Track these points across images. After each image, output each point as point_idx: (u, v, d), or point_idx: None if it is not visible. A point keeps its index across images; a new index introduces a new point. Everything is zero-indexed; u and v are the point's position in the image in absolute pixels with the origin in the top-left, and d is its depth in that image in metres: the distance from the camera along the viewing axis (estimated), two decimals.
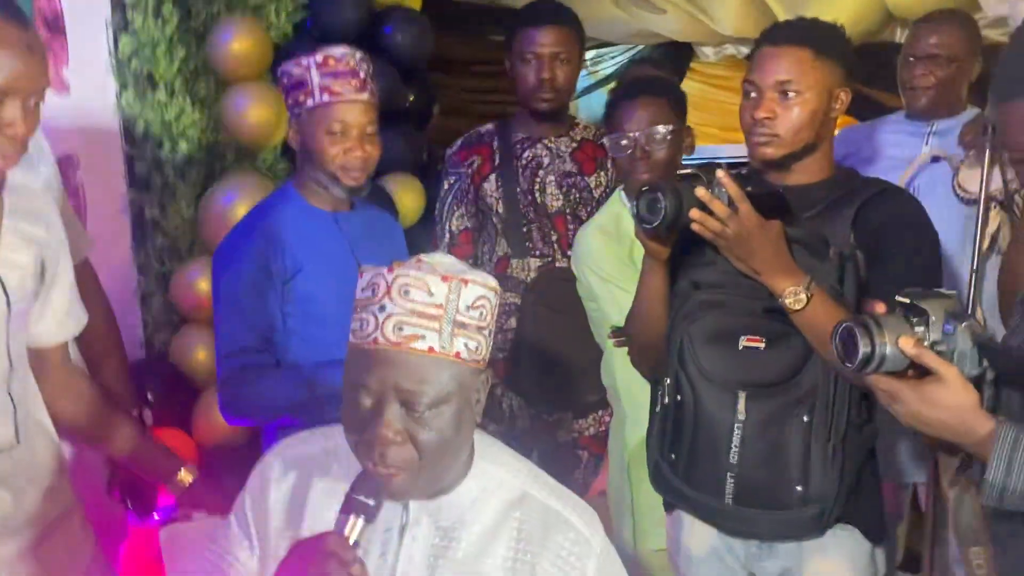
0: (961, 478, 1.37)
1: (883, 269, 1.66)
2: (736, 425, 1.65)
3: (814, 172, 1.73)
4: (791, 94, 1.65)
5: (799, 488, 1.63)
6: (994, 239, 2.37)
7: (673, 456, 1.73)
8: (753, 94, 1.68)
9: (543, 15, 2.52)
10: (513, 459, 1.32)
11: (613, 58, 4.21)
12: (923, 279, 1.70)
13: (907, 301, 1.30)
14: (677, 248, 1.70)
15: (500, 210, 2.54)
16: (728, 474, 1.65)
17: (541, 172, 2.55)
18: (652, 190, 1.58)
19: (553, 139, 2.58)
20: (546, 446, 2.52)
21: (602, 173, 2.60)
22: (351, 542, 1.13)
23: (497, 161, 2.56)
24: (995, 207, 2.32)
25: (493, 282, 1.25)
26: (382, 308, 1.18)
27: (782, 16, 3.12)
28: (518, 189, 2.54)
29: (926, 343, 1.26)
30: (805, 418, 1.63)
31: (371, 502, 1.15)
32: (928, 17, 2.57)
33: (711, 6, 3.20)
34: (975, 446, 1.24)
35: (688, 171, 1.64)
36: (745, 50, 3.69)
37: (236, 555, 1.32)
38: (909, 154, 2.51)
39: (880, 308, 1.30)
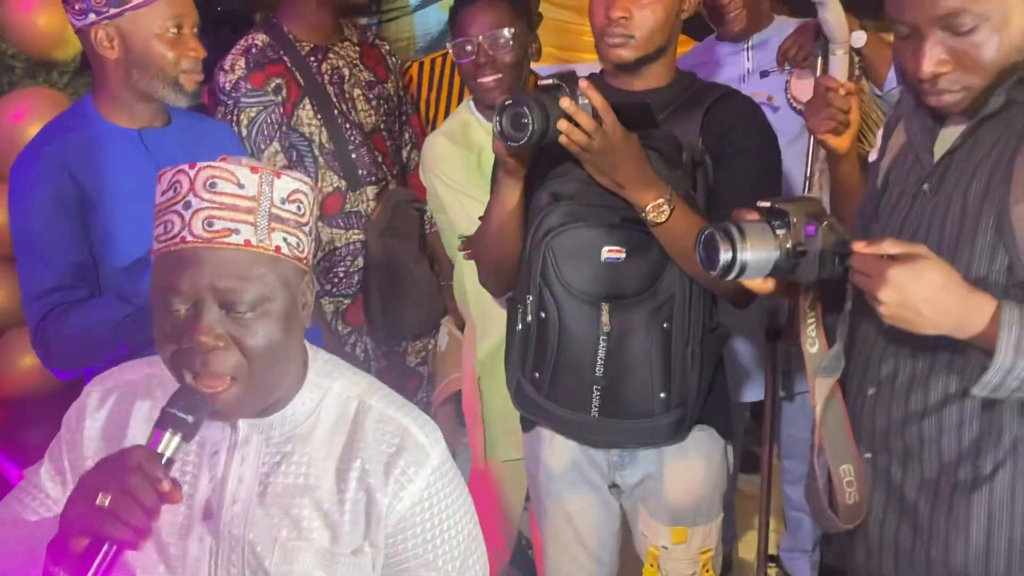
0: (833, 398, 1.35)
1: (729, 171, 1.66)
2: (601, 338, 1.63)
3: (660, 76, 1.71)
4: None
5: (662, 395, 1.63)
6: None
7: (537, 375, 1.68)
8: None
9: None
10: (351, 372, 1.26)
11: None
12: (767, 181, 1.72)
13: (768, 205, 1.29)
14: (532, 161, 1.63)
15: (323, 139, 2.22)
16: (594, 387, 1.64)
17: (346, 86, 2.28)
18: (516, 104, 1.50)
19: (339, 44, 2.30)
20: (399, 376, 2.39)
21: (393, 77, 2.40)
22: (164, 459, 1.02)
23: (303, 81, 2.21)
24: None
25: (307, 179, 1.16)
26: (187, 205, 1.08)
27: None
28: (336, 111, 2.23)
29: (788, 245, 1.25)
30: (665, 325, 1.63)
31: (189, 418, 1.04)
32: None
33: None
34: (973, 327, 1.16)
35: (549, 81, 1.56)
36: None
37: (47, 491, 1.21)
38: (734, 73, 2.54)
39: (751, 215, 1.28)
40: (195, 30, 1.73)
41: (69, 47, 2.39)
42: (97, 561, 0.96)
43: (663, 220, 1.56)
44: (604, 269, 1.62)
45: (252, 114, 2.18)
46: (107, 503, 0.97)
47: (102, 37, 1.69)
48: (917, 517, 1.32)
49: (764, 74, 2.51)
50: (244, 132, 2.19)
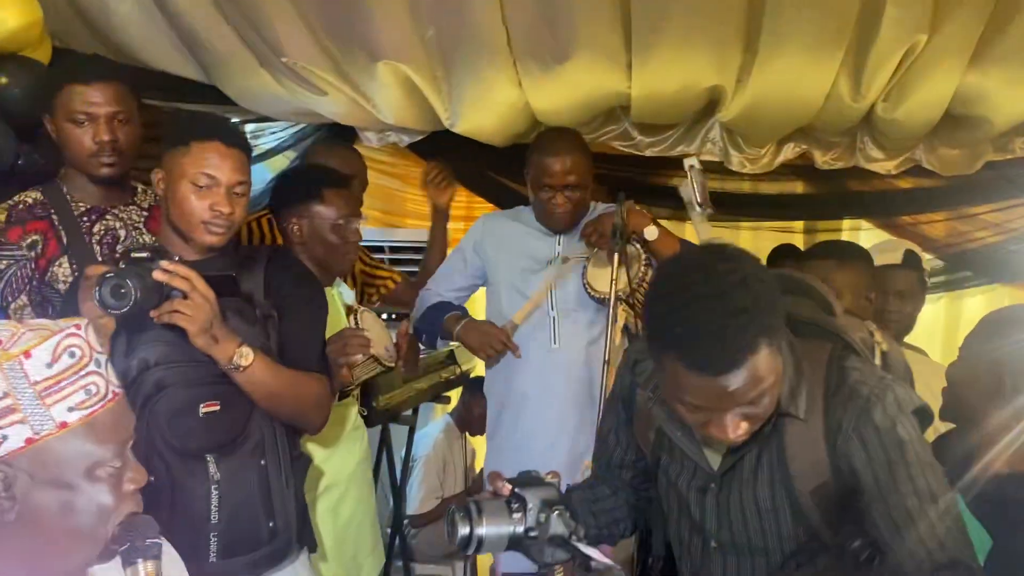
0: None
1: (288, 325, 1.95)
2: (212, 487, 1.81)
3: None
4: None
5: (271, 523, 1.86)
6: (623, 332, 2.60)
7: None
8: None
9: (92, 72, 2.27)
10: None
11: (274, 133, 3.92)
12: (314, 331, 1.98)
13: (512, 488, 1.45)
14: (120, 330, 1.74)
15: None
16: (211, 535, 1.79)
17: (119, 247, 2.29)
18: (118, 276, 1.63)
19: (122, 207, 2.34)
20: None
21: None
22: None
23: (65, 239, 2.24)
24: (621, 304, 2.55)
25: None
26: None
27: (441, 110, 3.13)
28: None
29: (520, 529, 1.40)
30: (262, 462, 1.87)
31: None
32: (556, 149, 2.72)
33: (374, 94, 3.12)
34: None
35: (141, 254, 1.70)
36: (407, 139, 3.56)
37: None
38: (544, 255, 2.76)
39: (504, 489, 1.44)
40: None
41: None
42: None
43: (247, 365, 1.79)
44: (204, 422, 1.81)
45: (1, 267, 2.21)
46: None
47: None
48: None
49: (565, 260, 2.74)
50: None
